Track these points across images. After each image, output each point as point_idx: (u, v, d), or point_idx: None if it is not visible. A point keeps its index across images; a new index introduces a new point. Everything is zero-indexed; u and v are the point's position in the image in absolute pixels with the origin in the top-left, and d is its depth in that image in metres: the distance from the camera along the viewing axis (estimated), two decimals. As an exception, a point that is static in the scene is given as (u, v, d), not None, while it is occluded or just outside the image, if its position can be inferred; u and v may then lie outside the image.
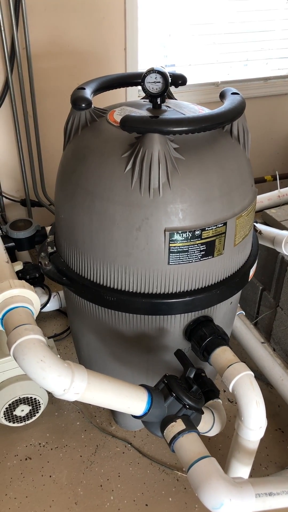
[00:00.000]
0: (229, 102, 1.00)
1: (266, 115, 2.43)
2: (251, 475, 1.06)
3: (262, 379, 1.51)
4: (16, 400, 1.32)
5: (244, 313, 1.64)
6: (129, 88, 2.01)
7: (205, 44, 2.12)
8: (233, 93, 1.04)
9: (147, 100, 1.13)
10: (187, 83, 1.21)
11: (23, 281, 0.92)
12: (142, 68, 2.00)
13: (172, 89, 1.23)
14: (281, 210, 1.67)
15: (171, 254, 0.96)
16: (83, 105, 1.03)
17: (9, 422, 1.37)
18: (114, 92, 1.32)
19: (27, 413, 1.38)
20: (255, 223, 1.43)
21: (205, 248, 0.98)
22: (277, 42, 2.28)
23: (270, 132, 2.51)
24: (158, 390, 0.90)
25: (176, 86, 1.17)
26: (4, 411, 1.33)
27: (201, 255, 0.98)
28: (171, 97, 1.22)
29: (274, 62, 2.33)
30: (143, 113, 1.06)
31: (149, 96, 1.05)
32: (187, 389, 0.91)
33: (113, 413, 1.48)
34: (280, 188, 1.88)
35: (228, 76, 2.26)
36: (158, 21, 1.97)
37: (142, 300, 1.01)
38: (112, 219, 0.96)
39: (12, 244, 1.79)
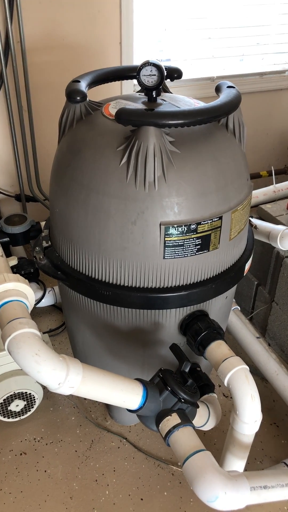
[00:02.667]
0: (225, 95, 1.00)
1: (261, 110, 2.43)
2: (246, 469, 1.06)
3: (257, 373, 1.51)
4: (11, 395, 1.32)
5: (240, 308, 1.64)
6: (125, 82, 2.00)
7: (201, 38, 2.11)
8: (229, 87, 1.04)
9: (143, 94, 1.13)
10: (183, 78, 1.20)
11: (18, 275, 0.92)
12: (137, 62, 1.99)
13: (168, 83, 1.22)
14: (276, 205, 1.67)
15: (166, 248, 0.96)
16: (78, 98, 1.03)
17: (4, 417, 1.37)
18: (109, 86, 1.31)
19: (22, 408, 1.38)
20: (250, 218, 1.43)
21: (200, 242, 0.97)
22: (273, 37, 2.27)
23: (266, 128, 2.51)
24: (153, 384, 0.90)
25: (172, 80, 1.16)
26: (-1, 406, 1.33)
27: (196, 249, 0.98)
28: (166, 90, 1.21)
29: (270, 57, 2.33)
30: (139, 106, 1.05)
31: (145, 89, 1.04)
32: (182, 383, 0.91)
33: (108, 408, 1.48)
34: (276, 184, 1.88)
35: (224, 71, 2.26)
36: (153, 15, 1.96)
37: (137, 295, 1.01)
38: (107, 212, 0.95)
39: (6, 239, 1.78)
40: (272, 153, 2.60)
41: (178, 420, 0.86)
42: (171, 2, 1.96)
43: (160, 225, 0.94)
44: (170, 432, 0.85)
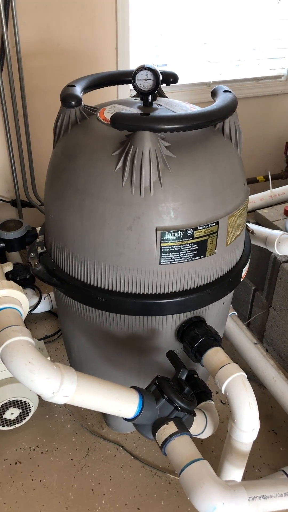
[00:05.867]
0: (221, 100, 0.99)
1: (258, 115, 2.43)
2: (244, 478, 1.05)
3: (254, 380, 1.50)
4: (6, 403, 1.30)
5: (237, 314, 1.63)
6: (121, 87, 1.99)
7: (197, 44, 2.11)
8: (225, 91, 1.03)
9: (138, 98, 1.12)
10: (179, 83, 1.20)
11: (12, 282, 0.90)
12: (133, 67, 1.99)
13: (164, 88, 1.22)
14: (273, 210, 1.67)
15: (162, 254, 0.95)
16: (73, 102, 1.02)
17: (-1, 425, 1.35)
18: (106, 91, 1.31)
19: (17, 416, 1.36)
20: (247, 223, 1.42)
21: (197, 247, 0.96)
22: (269, 43, 2.28)
23: (262, 133, 2.51)
24: (150, 392, 0.89)
25: (168, 84, 1.16)
26: (-7, 415, 1.31)
27: (193, 254, 0.97)
28: (162, 95, 1.21)
29: (266, 62, 2.33)
30: (134, 110, 1.04)
31: (140, 93, 1.04)
32: (179, 391, 0.89)
33: (104, 416, 1.46)
34: (272, 189, 1.88)
35: (220, 76, 2.26)
36: (150, 20, 1.96)
37: (133, 301, 1.00)
38: (103, 218, 0.94)
39: (2, 245, 1.77)
40: (269, 158, 2.60)
41: (175, 429, 0.84)
42: (168, 7, 1.96)
43: (156, 230, 0.92)
44: (166, 441, 0.83)
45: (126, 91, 2.02)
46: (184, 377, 0.93)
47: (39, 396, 1.36)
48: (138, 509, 1.25)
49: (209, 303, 1.07)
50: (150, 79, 1.00)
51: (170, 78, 1.14)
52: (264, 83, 2.36)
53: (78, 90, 1.05)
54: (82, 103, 1.05)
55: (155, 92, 1.04)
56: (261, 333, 1.67)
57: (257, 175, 2.32)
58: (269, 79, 2.37)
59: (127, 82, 1.18)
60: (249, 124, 2.37)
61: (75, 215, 0.98)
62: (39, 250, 1.16)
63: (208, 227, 0.96)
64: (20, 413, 1.36)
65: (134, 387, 0.87)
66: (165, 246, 0.94)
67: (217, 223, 0.97)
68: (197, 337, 1.02)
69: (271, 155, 2.60)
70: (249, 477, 1.31)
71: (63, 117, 1.05)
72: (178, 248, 0.95)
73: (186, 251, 0.96)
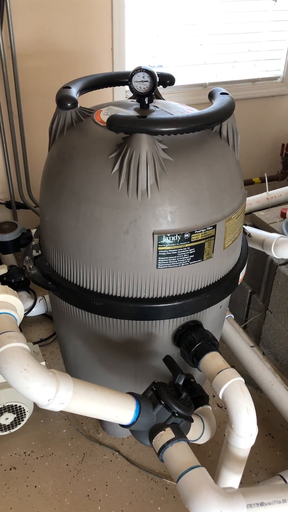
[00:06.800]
0: (218, 102, 0.98)
1: (254, 117, 2.43)
2: (241, 482, 1.04)
3: (251, 383, 1.49)
4: (0, 408, 1.28)
5: (233, 317, 1.62)
6: (117, 88, 1.98)
7: (193, 45, 2.11)
8: (222, 93, 1.02)
9: (135, 100, 1.11)
10: (175, 84, 1.19)
11: (6, 286, 0.89)
12: (129, 68, 1.98)
13: (160, 90, 1.21)
14: (269, 213, 1.66)
15: (159, 258, 0.94)
16: (69, 104, 1.01)
17: (-7, 430, 1.34)
18: (102, 92, 1.30)
19: (11, 421, 1.34)
20: (244, 226, 1.42)
21: (194, 251, 0.95)
22: (264, 44, 2.27)
23: (258, 134, 2.50)
24: (147, 398, 0.88)
25: (164, 86, 1.15)
26: (-13, 420, 1.29)
27: (190, 258, 0.96)
28: (159, 97, 1.19)
29: (262, 63, 2.33)
30: (131, 113, 1.03)
31: (137, 95, 1.03)
32: (176, 396, 0.88)
33: (100, 420, 1.45)
34: (269, 190, 1.87)
35: (216, 78, 2.25)
36: (145, 21, 1.96)
37: (129, 305, 0.99)
38: (99, 221, 0.93)
39: (-4, 247, 1.75)
40: (265, 160, 2.60)
41: (172, 435, 0.83)
42: (163, 8, 1.95)
43: (153, 234, 0.91)
44: (164, 447, 0.82)
45: (121, 92, 2.01)
46: (181, 383, 0.92)
47: (34, 401, 1.35)
48: (135, 514, 1.23)
49: (206, 307, 1.06)
50: (147, 81, 0.99)
51: (167, 79, 1.13)
52: (260, 85, 2.36)
53: (73, 91, 1.04)
54: (78, 105, 1.04)
55: (152, 94, 1.03)
56: (257, 336, 1.66)
57: (253, 176, 2.32)
58: (265, 81, 2.37)
59: (123, 84, 1.17)
60: (245, 126, 2.36)
61: (71, 219, 0.96)
62: (34, 253, 1.15)
63: (206, 230, 0.95)
64: (15, 418, 1.34)
65: (130, 393, 0.86)
66: (162, 250, 0.93)
67: (214, 226, 0.96)
68: (194, 341, 1.01)
69: (266, 157, 2.59)
70: (246, 481, 1.31)
71: (59, 119, 1.04)
72: (175, 252, 0.94)
73: (183, 255, 0.95)
